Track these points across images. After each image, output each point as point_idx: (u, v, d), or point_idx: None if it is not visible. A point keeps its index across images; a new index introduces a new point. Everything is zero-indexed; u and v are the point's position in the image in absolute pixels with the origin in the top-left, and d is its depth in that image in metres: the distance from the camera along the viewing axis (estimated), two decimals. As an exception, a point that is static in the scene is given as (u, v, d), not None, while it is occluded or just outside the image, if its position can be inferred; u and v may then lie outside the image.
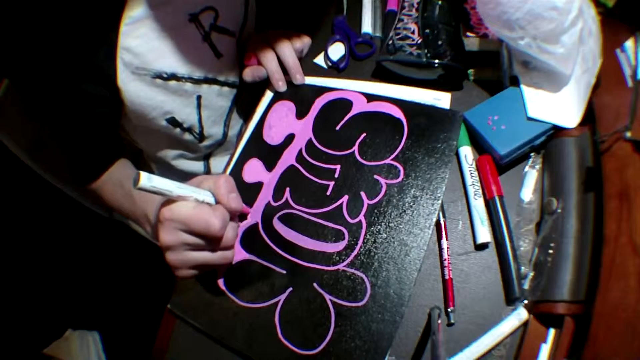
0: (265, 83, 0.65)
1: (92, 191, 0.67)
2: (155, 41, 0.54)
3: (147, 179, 0.37)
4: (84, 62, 0.52)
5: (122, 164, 0.66)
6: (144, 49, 0.53)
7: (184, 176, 0.76)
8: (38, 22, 0.48)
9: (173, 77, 0.58)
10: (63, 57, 0.51)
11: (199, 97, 0.63)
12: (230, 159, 0.61)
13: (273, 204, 0.54)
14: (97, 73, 0.53)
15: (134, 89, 0.55)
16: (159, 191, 0.39)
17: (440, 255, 0.48)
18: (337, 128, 0.57)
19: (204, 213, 0.41)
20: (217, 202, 0.44)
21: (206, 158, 0.75)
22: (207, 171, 0.76)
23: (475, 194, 0.50)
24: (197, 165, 0.75)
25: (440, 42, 0.57)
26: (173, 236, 0.42)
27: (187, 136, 0.66)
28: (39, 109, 0.58)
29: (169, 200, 0.42)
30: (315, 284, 0.48)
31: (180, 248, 0.43)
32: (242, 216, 0.55)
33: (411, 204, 0.49)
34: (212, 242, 0.43)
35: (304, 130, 0.59)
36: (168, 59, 0.56)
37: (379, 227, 0.49)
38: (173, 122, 0.62)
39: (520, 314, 0.43)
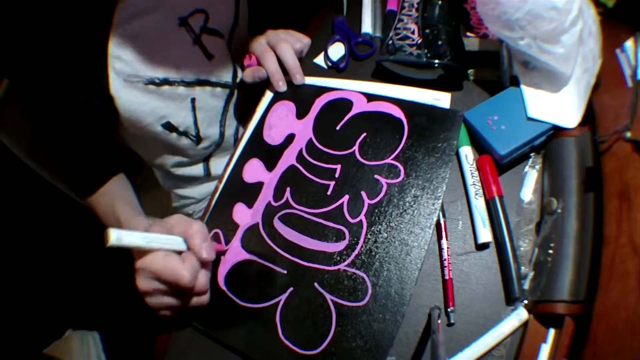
0: (265, 83, 0.65)
1: (89, 206, 0.68)
2: (146, 47, 0.54)
3: (116, 239, 0.38)
4: (76, 73, 0.52)
5: (118, 183, 0.67)
6: (135, 56, 0.53)
7: (186, 180, 0.76)
8: (26, 35, 0.49)
9: (165, 82, 0.58)
10: (55, 68, 0.51)
11: (192, 100, 0.63)
12: (230, 160, 0.61)
13: (274, 204, 0.54)
14: (89, 83, 0.53)
15: (127, 96, 0.55)
16: (128, 247, 0.40)
17: (440, 255, 0.48)
18: (338, 128, 0.57)
19: (173, 265, 0.42)
20: (189, 248, 0.45)
21: (205, 160, 0.75)
22: (208, 173, 0.76)
23: (476, 194, 0.50)
24: (197, 169, 0.75)
25: (440, 42, 0.57)
26: (148, 283, 0.43)
27: (184, 140, 0.65)
28: (35, 119, 0.58)
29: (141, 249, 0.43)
30: (316, 284, 0.48)
31: (155, 294, 0.44)
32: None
33: (412, 203, 0.49)
34: (183, 290, 0.44)
35: (304, 130, 0.59)
36: (160, 64, 0.56)
37: (380, 226, 0.49)
38: (169, 126, 0.62)
39: (520, 314, 0.43)
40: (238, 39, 0.68)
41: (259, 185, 0.57)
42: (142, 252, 0.43)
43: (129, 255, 0.64)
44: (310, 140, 0.58)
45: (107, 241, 0.37)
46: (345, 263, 0.48)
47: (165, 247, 0.43)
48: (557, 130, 0.50)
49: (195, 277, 0.43)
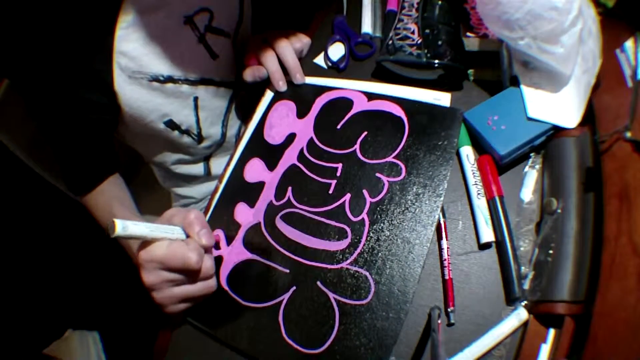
0: (265, 83, 0.65)
1: (85, 205, 0.68)
2: (151, 44, 0.54)
3: (122, 228, 0.38)
4: (80, 68, 0.52)
5: (114, 182, 0.67)
6: (139, 53, 0.53)
7: (186, 179, 0.76)
8: (32, 29, 0.48)
9: (170, 79, 0.58)
10: (59, 64, 0.51)
11: (195, 99, 0.63)
12: (231, 159, 0.61)
13: (275, 203, 0.55)
14: (93, 79, 0.53)
15: (130, 93, 0.55)
16: (133, 236, 0.40)
17: (440, 255, 0.49)
18: (338, 127, 0.58)
19: (180, 249, 0.42)
20: (188, 237, 0.45)
21: (206, 159, 0.75)
22: (208, 173, 0.76)
23: (478, 194, 0.50)
24: (197, 168, 0.75)
25: (440, 42, 0.57)
26: (154, 276, 0.43)
27: (186, 138, 0.66)
28: (36, 115, 0.59)
29: (144, 242, 0.43)
30: (318, 283, 0.48)
31: (163, 286, 0.44)
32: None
33: (413, 201, 0.50)
34: (191, 275, 0.44)
35: (305, 129, 0.59)
36: (164, 61, 0.56)
37: (382, 224, 0.49)
38: (171, 124, 0.62)
39: (520, 314, 0.43)
40: (243, 39, 0.68)
41: (260, 185, 0.57)
42: (145, 244, 0.43)
43: (129, 256, 0.65)
44: (311, 140, 0.58)
45: (113, 231, 0.37)
46: (348, 261, 0.48)
47: (168, 237, 0.43)
48: (557, 130, 0.50)
49: (201, 259, 0.43)
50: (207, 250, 0.45)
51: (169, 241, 0.43)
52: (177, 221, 0.45)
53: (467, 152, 0.53)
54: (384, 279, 0.46)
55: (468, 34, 0.56)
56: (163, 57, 0.56)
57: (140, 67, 0.54)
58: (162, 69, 0.56)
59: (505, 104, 0.52)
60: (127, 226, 0.38)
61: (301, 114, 0.61)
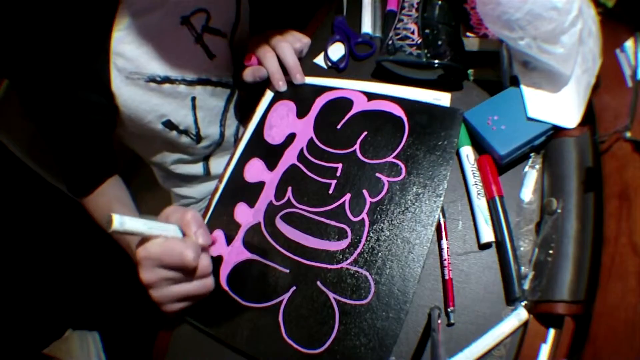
0: (265, 83, 0.65)
1: (85, 207, 0.68)
2: (148, 45, 0.54)
3: (119, 223, 0.38)
4: (78, 70, 0.52)
5: (114, 184, 0.68)
6: (136, 54, 0.54)
7: (185, 179, 0.76)
8: (30, 31, 0.49)
9: (167, 80, 0.58)
10: (58, 65, 0.51)
11: (193, 99, 0.63)
12: (231, 159, 0.61)
13: (275, 203, 0.55)
14: (91, 80, 0.53)
15: (128, 93, 0.55)
16: (130, 232, 0.40)
17: (440, 255, 0.49)
18: (338, 127, 0.58)
19: (176, 245, 0.42)
20: (185, 236, 0.45)
21: (205, 159, 0.75)
22: (207, 173, 0.76)
23: (478, 194, 0.50)
24: (197, 168, 0.75)
25: (440, 42, 0.57)
26: (152, 274, 0.43)
27: (184, 139, 0.66)
28: (35, 117, 0.59)
29: (142, 239, 0.43)
30: (318, 283, 0.48)
31: (161, 284, 0.44)
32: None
33: (413, 201, 0.50)
34: (188, 273, 0.44)
35: (305, 129, 0.59)
36: (161, 62, 0.56)
37: (382, 224, 0.49)
38: (169, 125, 0.62)
39: (520, 314, 0.43)
40: (240, 38, 0.68)
41: (260, 185, 0.57)
42: (143, 241, 0.43)
43: (129, 255, 0.65)
44: (311, 140, 0.58)
45: (110, 225, 0.37)
46: (348, 261, 0.48)
47: (164, 235, 0.43)
48: (557, 130, 0.50)
49: (198, 256, 0.43)
50: (203, 249, 0.45)
51: (165, 238, 0.43)
52: (174, 220, 0.45)
53: (467, 152, 0.53)
54: (384, 279, 0.46)
55: (468, 34, 0.56)
56: (160, 58, 0.56)
57: (137, 68, 0.54)
58: (159, 69, 0.56)
59: (505, 104, 0.53)
60: (125, 221, 0.38)
61: (301, 114, 0.61)
